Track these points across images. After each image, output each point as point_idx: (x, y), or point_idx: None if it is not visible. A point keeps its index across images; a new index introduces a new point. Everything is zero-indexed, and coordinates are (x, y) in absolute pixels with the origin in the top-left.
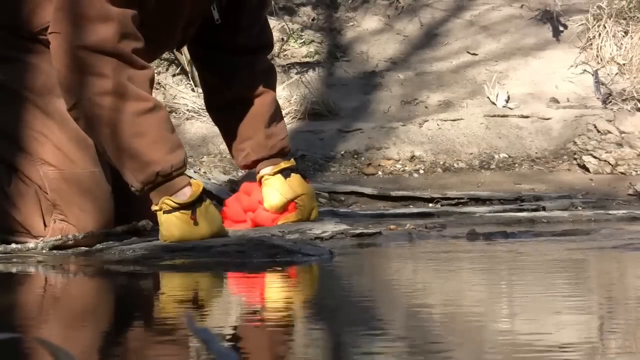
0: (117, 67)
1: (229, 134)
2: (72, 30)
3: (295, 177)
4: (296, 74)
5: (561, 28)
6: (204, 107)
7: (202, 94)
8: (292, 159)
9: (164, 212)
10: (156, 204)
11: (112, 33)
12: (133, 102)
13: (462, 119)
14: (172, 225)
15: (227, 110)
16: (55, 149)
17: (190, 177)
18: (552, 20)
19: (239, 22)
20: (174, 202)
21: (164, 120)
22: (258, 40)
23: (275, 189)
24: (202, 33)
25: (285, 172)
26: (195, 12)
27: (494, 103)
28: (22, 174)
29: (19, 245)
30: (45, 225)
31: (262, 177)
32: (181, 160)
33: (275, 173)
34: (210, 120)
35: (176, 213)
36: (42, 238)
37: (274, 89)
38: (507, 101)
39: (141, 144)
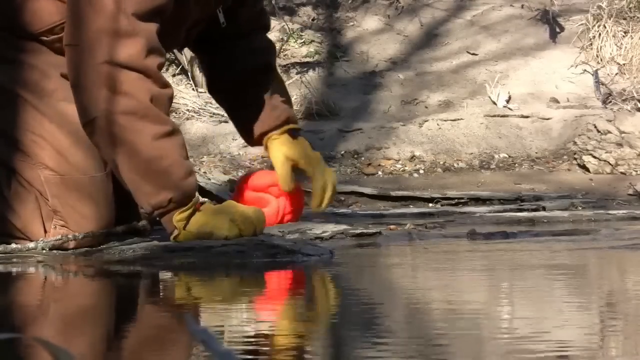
0: (142, 85)
1: (235, 111)
2: (94, 44)
3: (302, 140)
4: (296, 74)
5: (561, 28)
6: (205, 107)
7: (204, 79)
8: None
9: (183, 229)
10: (171, 232)
11: (140, 49)
12: (153, 125)
13: (462, 119)
14: (201, 223)
15: (234, 86)
16: (55, 153)
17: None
18: (552, 20)
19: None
20: (185, 210)
21: (180, 145)
22: (258, 21)
23: (282, 145)
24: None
25: (293, 133)
26: (202, 16)
27: (494, 103)
28: (22, 179)
29: (19, 245)
30: (45, 232)
31: (269, 138)
32: (193, 188)
33: (282, 133)
34: (211, 120)
35: (197, 214)
36: (42, 239)
37: (274, 64)
38: (507, 101)
39: (158, 169)
